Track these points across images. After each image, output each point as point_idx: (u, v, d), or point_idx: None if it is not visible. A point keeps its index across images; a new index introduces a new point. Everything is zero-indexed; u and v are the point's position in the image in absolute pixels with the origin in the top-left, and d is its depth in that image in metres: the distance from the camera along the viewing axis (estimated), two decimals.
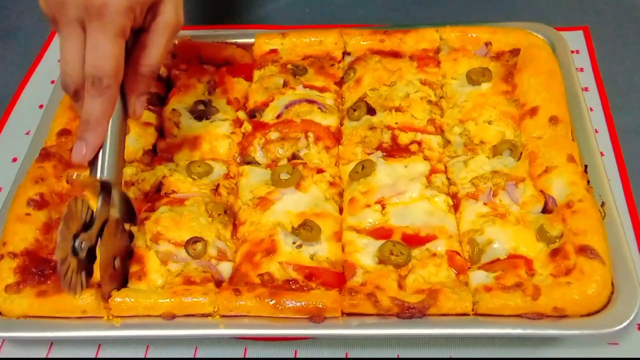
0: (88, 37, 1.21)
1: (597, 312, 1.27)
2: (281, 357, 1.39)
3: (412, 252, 1.38)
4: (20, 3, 2.27)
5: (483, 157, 1.54)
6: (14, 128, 1.87)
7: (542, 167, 1.47)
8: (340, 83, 1.76)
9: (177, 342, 1.41)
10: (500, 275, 1.33)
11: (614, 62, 1.91)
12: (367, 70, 1.73)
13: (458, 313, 1.28)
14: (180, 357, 1.40)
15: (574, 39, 1.91)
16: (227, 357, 1.39)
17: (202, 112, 1.67)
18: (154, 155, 1.64)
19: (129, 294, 1.32)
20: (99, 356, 1.40)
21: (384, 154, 1.57)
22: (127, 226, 1.42)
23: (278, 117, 1.66)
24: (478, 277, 1.34)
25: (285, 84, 1.73)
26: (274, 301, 1.29)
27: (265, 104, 1.69)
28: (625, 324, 1.25)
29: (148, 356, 1.40)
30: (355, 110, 1.65)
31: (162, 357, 1.40)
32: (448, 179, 1.53)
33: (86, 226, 1.28)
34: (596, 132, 1.61)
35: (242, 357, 1.39)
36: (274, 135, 1.62)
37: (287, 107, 1.67)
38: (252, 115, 1.70)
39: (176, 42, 1.80)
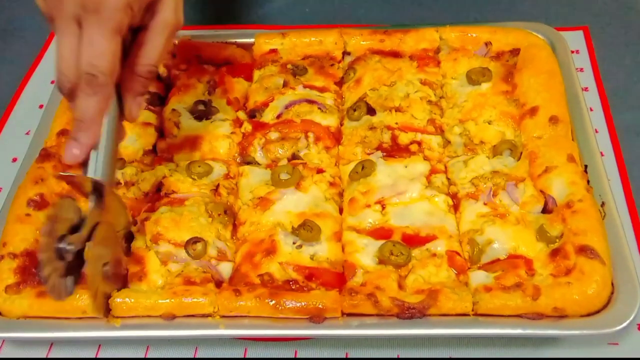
0: (84, 33, 1.18)
1: (597, 312, 1.27)
2: (281, 357, 1.39)
3: (412, 252, 1.38)
4: (20, 3, 2.27)
5: (483, 157, 1.54)
6: (14, 128, 1.87)
7: (542, 167, 1.46)
8: (340, 83, 1.76)
9: (177, 342, 1.41)
10: (500, 275, 1.33)
11: (614, 62, 1.91)
12: (367, 70, 1.73)
13: (458, 313, 1.28)
14: (180, 357, 1.40)
15: (574, 39, 1.91)
16: (227, 357, 1.39)
17: (202, 112, 1.66)
18: (154, 156, 1.63)
19: (129, 295, 1.32)
20: (99, 356, 1.40)
21: (384, 154, 1.56)
22: (122, 232, 1.39)
23: (278, 117, 1.65)
24: (478, 277, 1.34)
25: (285, 84, 1.73)
26: (274, 301, 1.29)
27: (265, 104, 1.69)
28: (625, 324, 1.25)
29: (148, 356, 1.40)
30: (355, 110, 1.65)
31: (162, 357, 1.40)
32: (448, 179, 1.52)
33: (75, 228, 1.23)
34: (596, 132, 1.61)
35: (242, 357, 1.39)
36: (274, 135, 1.62)
37: (287, 107, 1.66)
38: (252, 115, 1.70)
39: (176, 41, 1.80)
